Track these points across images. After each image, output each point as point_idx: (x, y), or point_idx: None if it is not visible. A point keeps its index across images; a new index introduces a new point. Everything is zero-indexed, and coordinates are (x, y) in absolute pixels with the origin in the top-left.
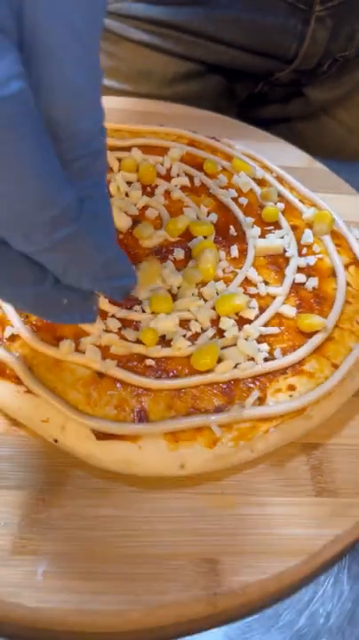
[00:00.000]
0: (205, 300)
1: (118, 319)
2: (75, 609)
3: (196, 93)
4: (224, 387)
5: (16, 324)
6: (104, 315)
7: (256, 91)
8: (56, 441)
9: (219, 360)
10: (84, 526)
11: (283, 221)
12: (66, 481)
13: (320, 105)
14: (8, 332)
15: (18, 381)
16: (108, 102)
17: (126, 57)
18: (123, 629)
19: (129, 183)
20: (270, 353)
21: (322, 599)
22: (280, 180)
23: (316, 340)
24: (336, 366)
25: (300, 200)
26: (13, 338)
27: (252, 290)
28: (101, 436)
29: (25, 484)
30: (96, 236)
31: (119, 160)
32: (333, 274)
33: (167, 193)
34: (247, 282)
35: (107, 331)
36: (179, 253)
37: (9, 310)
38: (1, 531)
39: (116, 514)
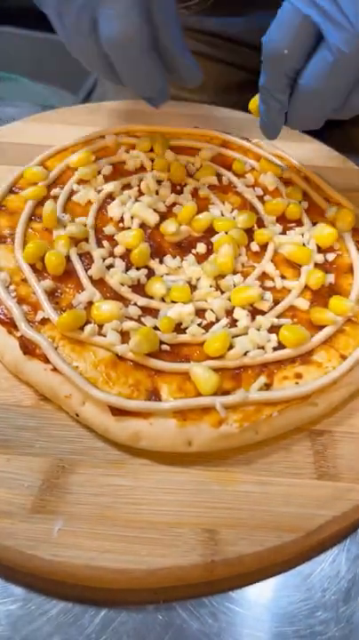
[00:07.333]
0: (222, 292)
1: (139, 307)
2: (84, 564)
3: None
4: (234, 372)
5: (46, 308)
6: (126, 302)
7: None
8: (77, 415)
9: (230, 347)
10: (97, 493)
11: (306, 219)
12: (84, 452)
13: None
14: (39, 316)
15: (46, 360)
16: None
17: None
18: (126, 587)
19: (159, 182)
20: (280, 343)
21: (319, 576)
22: (307, 179)
23: (326, 332)
24: (344, 358)
25: (325, 199)
26: (44, 321)
27: (269, 283)
28: (117, 412)
29: (48, 452)
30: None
31: (152, 160)
32: (351, 270)
33: (195, 191)
34: (265, 275)
35: (128, 317)
36: (201, 247)
37: (41, 297)
38: (24, 491)
39: (127, 483)
